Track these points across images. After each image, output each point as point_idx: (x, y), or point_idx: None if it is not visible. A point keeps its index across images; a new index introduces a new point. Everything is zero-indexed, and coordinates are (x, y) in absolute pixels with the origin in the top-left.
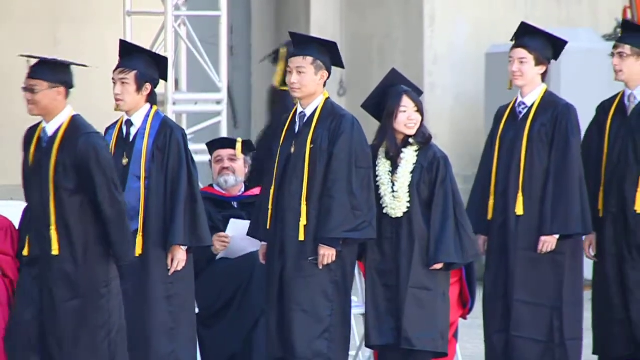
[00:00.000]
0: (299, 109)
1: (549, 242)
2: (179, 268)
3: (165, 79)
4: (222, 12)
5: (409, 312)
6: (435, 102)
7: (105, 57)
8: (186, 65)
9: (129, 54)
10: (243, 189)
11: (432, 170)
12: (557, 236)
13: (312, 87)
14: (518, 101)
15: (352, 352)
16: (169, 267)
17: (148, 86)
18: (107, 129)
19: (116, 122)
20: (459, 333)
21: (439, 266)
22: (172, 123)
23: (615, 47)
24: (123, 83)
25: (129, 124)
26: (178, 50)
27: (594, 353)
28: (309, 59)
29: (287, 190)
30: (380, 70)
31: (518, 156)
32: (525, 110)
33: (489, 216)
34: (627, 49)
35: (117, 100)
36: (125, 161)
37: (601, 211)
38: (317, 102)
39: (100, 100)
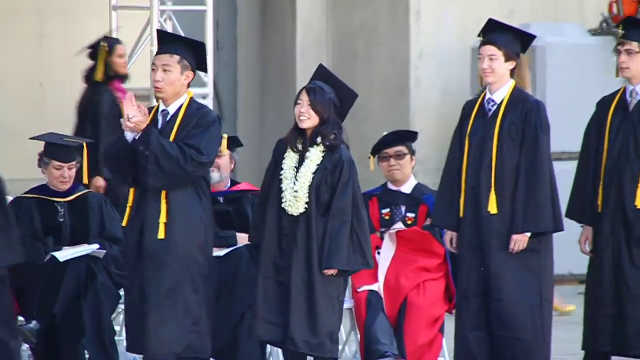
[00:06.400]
0: (162, 107)
1: (520, 241)
2: None
3: None
4: (207, 7)
5: (298, 314)
6: (421, 98)
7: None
8: None
9: None
10: (229, 184)
11: (335, 173)
12: (528, 235)
13: (177, 86)
14: (487, 98)
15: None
16: None
17: None
18: None
19: None
20: (445, 328)
21: (332, 272)
22: None
23: (621, 44)
24: None
25: None
26: None
27: (583, 348)
28: (176, 57)
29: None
30: (366, 65)
31: (489, 154)
32: (495, 108)
33: (461, 214)
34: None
35: None
36: None
37: (600, 206)
38: (182, 101)
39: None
